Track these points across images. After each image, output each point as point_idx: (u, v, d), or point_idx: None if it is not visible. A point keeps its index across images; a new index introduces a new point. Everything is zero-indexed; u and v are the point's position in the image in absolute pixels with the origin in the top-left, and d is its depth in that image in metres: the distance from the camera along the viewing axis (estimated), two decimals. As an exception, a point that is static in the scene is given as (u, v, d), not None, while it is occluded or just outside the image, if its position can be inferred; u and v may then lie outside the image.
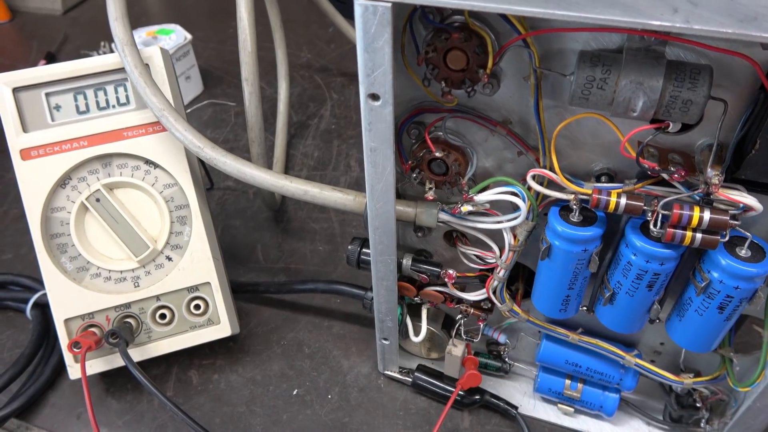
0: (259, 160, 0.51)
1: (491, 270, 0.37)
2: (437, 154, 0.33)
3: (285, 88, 0.69)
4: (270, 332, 0.51)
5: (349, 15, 0.77)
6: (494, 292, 0.37)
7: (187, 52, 0.77)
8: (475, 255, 0.38)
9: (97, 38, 0.92)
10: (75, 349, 0.41)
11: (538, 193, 0.32)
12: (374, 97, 0.29)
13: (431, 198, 0.35)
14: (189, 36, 0.77)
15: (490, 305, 0.41)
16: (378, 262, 0.37)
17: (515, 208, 0.33)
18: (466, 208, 0.34)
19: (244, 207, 0.63)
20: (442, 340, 0.45)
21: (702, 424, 0.40)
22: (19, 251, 0.58)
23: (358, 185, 0.65)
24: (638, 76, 0.25)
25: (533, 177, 0.32)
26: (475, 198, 0.34)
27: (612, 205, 0.29)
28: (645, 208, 0.29)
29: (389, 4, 0.25)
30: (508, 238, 0.34)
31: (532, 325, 0.39)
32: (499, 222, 0.34)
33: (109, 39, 0.40)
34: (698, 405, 0.40)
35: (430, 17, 0.29)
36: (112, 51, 0.42)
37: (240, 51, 0.47)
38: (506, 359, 0.45)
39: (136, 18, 0.97)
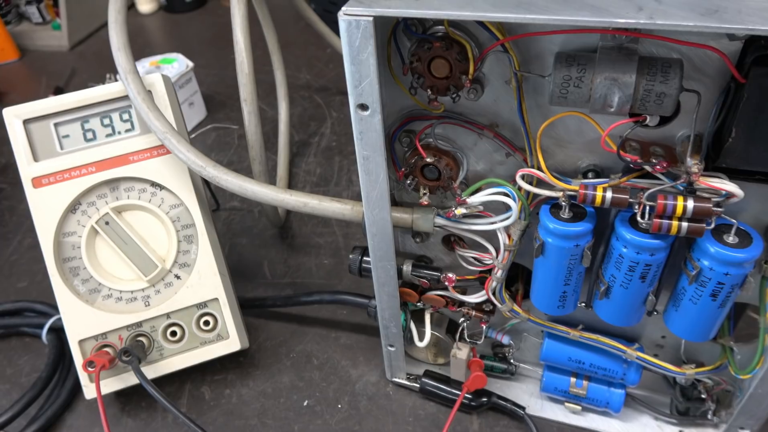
0: (260, 177, 0.52)
1: (490, 271, 0.38)
2: (428, 160, 0.34)
3: (285, 108, 0.71)
4: (279, 345, 0.52)
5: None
6: (494, 293, 0.38)
7: (189, 80, 0.79)
8: (473, 257, 0.39)
9: (103, 71, 0.95)
10: (90, 369, 0.42)
11: (528, 193, 0.33)
12: (363, 107, 0.30)
13: (426, 203, 0.36)
14: (191, 64, 0.79)
15: (491, 307, 0.42)
16: (378, 268, 0.38)
17: (507, 208, 0.34)
18: (460, 211, 0.35)
19: (249, 225, 0.65)
20: (447, 345, 0.46)
21: (709, 416, 0.41)
22: (34, 278, 0.60)
23: (360, 199, 0.66)
24: (612, 72, 0.27)
25: (522, 177, 0.33)
26: (468, 200, 0.35)
27: (599, 199, 0.30)
28: (631, 200, 0.30)
29: (371, 18, 0.27)
30: (502, 238, 0.35)
31: (534, 325, 0.40)
32: (492, 223, 0.35)
33: (115, 71, 0.42)
34: (703, 396, 0.40)
35: (412, 29, 0.30)
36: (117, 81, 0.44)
37: (238, 73, 0.49)
38: (511, 361, 0.46)
39: (140, 49, 1.00)
